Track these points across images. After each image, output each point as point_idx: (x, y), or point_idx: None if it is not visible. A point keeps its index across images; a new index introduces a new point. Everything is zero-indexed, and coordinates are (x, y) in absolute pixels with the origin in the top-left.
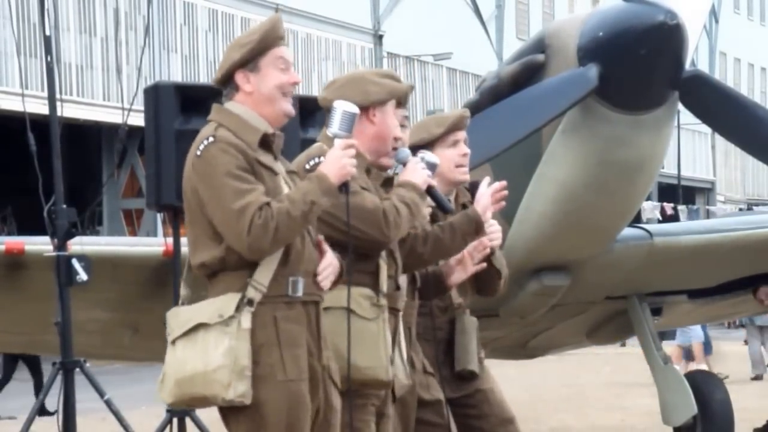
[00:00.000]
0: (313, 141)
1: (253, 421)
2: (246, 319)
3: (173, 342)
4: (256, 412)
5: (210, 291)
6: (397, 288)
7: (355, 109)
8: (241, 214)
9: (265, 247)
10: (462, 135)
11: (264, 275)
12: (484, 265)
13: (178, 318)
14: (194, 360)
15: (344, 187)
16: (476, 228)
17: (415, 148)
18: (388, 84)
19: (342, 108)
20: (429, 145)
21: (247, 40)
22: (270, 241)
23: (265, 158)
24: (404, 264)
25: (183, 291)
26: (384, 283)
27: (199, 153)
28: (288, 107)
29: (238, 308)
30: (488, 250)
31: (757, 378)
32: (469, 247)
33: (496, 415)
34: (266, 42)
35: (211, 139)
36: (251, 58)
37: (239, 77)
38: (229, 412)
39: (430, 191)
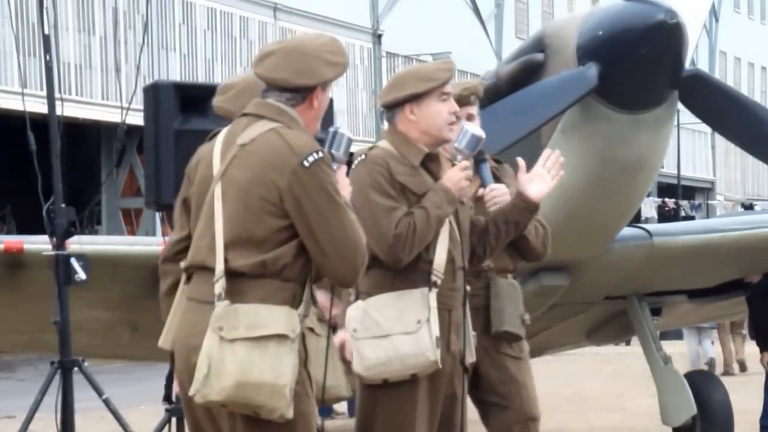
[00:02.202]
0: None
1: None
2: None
3: (232, 340)
4: (288, 427)
5: (249, 292)
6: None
7: (483, 134)
8: (359, 242)
9: (360, 279)
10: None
11: (304, 294)
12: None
13: (239, 317)
14: (263, 368)
15: None
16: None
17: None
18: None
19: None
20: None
21: (337, 60)
22: (362, 274)
23: None
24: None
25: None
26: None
27: (307, 164)
28: (318, 127)
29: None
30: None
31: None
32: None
33: (521, 411)
34: (345, 68)
35: (321, 154)
36: (334, 79)
37: (316, 92)
38: (251, 420)
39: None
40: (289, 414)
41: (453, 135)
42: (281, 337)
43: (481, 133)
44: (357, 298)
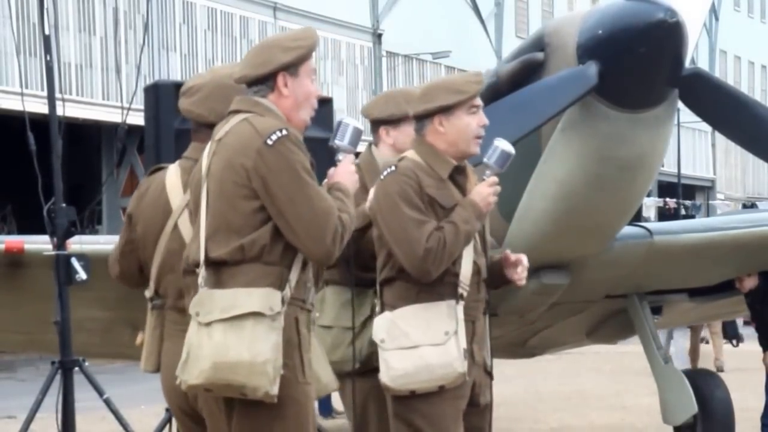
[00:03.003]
0: (311, 140)
1: (273, 418)
2: (283, 318)
3: (208, 324)
4: (278, 411)
5: (231, 278)
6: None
7: (513, 150)
8: (327, 217)
9: (335, 255)
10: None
11: (294, 277)
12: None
13: (215, 301)
14: (239, 348)
15: None
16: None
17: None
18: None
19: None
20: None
21: (296, 44)
22: (340, 250)
23: None
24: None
25: (201, 278)
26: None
27: (270, 143)
28: (308, 118)
29: (282, 306)
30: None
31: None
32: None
33: None
34: (312, 50)
35: (285, 131)
36: (298, 62)
37: (280, 79)
38: (245, 404)
39: None
40: (274, 391)
41: (478, 149)
42: (257, 315)
43: (512, 150)
44: (383, 309)
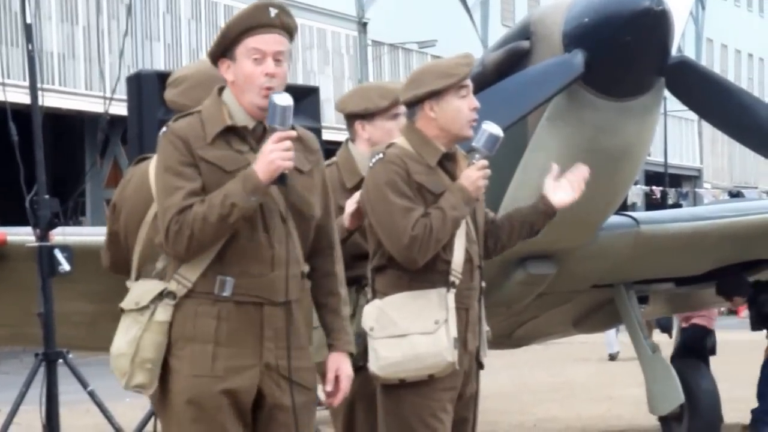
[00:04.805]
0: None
1: (163, 409)
2: (162, 312)
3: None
4: (167, 402)
5: (152, 270)
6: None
7: (501, 133)
8: (163, 215)
9: (182, 254)
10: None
11: (191, 271)
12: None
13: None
14: (114, 340)
15: (281, 179)
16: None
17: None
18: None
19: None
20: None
21: (222, 32)
22: (185, 248)
23: (218, 153)
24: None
25: (159, 263)
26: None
27: (159, 139)
28: (259, 100)
29: (155, 300)
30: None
31: (612, 358)
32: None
33: None
34: (234, 32)
35: (164, 129)
36: (223, 48)
37: (221, 67)
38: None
39: None
40: (128, 386)
41: (472, 132)
42: (122, 309)
43: (500, 132)
44: (374, 297)
